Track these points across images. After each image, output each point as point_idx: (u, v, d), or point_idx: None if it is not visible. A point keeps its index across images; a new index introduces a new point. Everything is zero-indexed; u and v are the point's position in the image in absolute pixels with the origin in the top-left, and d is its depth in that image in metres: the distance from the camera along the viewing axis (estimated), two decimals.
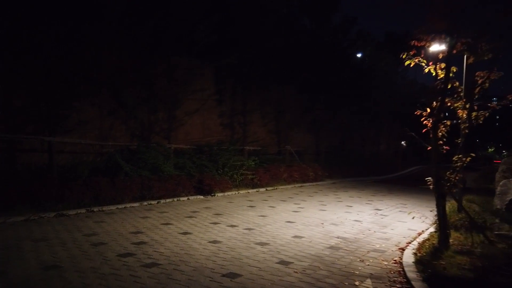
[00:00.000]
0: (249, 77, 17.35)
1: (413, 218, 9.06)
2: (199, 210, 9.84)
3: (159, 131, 13.65)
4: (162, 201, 10.74)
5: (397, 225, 9.22)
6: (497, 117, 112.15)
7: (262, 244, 6.68)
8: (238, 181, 14.07)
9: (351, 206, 11.98)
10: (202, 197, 12.18)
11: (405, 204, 13.44)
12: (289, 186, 16.70)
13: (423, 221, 8.76)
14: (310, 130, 23.96)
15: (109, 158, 11.13)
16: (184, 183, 12.02)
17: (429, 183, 6.98)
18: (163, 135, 13.70)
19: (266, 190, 14.97)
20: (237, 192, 13.51)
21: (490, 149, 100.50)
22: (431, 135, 6.79)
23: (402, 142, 36.30)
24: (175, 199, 11.16)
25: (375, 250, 6.67)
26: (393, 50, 30.03)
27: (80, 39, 10.55)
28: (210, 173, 13.28)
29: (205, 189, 12.68)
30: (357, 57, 30.95)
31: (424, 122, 6.83)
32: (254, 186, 14.82)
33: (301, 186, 17.36)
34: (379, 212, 11.21)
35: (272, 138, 21.08)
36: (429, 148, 6.92)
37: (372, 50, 29.30)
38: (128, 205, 9.81)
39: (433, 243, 6.70)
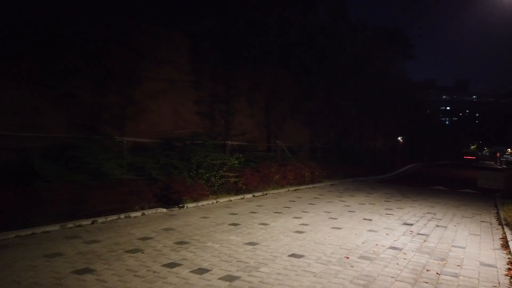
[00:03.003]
0: (234, 53, 13.93)
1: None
2: (153, 235, 6.41)
3: (110, 120, 10.10)
4: (101, 219, 7.23)
5: (457, 254, 6.02)
6: (477, 114, 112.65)
7: None
8: (217, 185, 10.67)
9: (370, 220, 8.76)
10: (165, 210, 8.73)
11: (434, 213, 10.37)
12: (283, 190, 13.40)
13: (480, 241, 5.70)
14: (306, 123, 20.72)
15: (26, 158, 7.58)
16: (140, 190, 8.57)
17: None
18: (116, 125, 10.17)
19: (254, 196, 11.62)
20: (215, 201, 10.11)
21: (472, 146, 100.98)
22: None
23: (399, 138, 33.54)
24: (123, 216, 7.67)
25: None
26: (383, 45, 28.52)
27: None
28: (180, 176, 9.86)
29: (172, 198, 9.26)
30: (352, 46, 28.33)
31: None
32: (238, 191, 11.46)
33: (296, 189, 14.09)
34: (413, 228, 8.03)
35: (261, 132, 17.70)
36: None
37: (366, 41, 26.79)
38: (41, 230, 6.29)
39: None
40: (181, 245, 5.84)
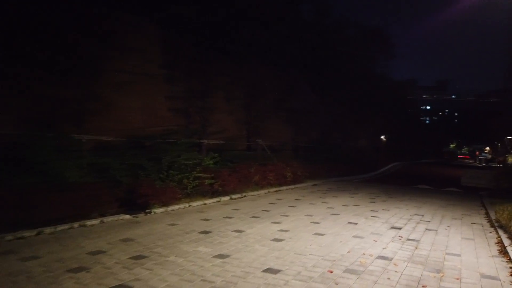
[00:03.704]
0: (212, 44, 13.05)
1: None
2: (107, 248, 5.51)
3: (70, 116, 9.09)
4: (49, 229, 6.25)
5: (453, 264, 5.35)
6: (456, 114, 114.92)
7: None
8: (191, 187, 9.78)
9: (355, 224, 8.07)
10: (128, 216, 7.80)
11: (422, 215, 9.78)
12: (263, 192, 12.61)
13: (476, 247, 5.13)
14: (289, 121, 20.01)
15: None
16: (101, 195, 7.63)
17: None
18: (76, 122, 9.16)
19: (231, 199, 10.79)
20: (188, 205, 9.23)
21: (452, 145, 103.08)
22: None
23: (382, 137, 33.30)
24: (77, 224, 6.71)
25: None
26: (366, 43, 28.40)
27: None
28: (148, 178, 8.94)
29: (138, 203, 8.33)
30: (335, 43, 27.97)
31: None
32: (214, 194, 10.61)
33: (277, 191, 13.33)
34: (402, 233, 7.37)
35: (241, 130, 16.88)
36: None
37: (349, 39, 26.45)
38: None
39: None
40: (137, 261, 4.97)
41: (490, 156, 64.68)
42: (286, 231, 7.10)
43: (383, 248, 6.13)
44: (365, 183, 18.71)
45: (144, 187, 8.48)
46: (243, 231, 6.95)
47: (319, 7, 23.79)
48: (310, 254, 5.59)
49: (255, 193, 12.18)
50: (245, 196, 11.47)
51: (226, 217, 8.16)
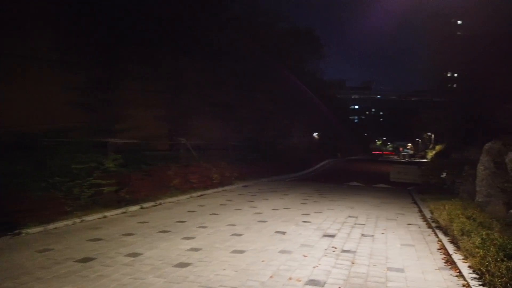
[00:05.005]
0: (122, 27, 11.10)
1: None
2: None
3: None
4: None
5: (398, 285, 4.30)
6: (381, 113, 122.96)
7: None
8: (85, 197, 7.84)
9: (284, 234, 6.87)
10: None
11: (356, 217, 8.98)
12: (183, 197, 10.99)
13: (418, 256, 4.16)
14: (217, 118, 18.52)
15: None
16: None
17: None
18: None
19: (142, 208, 9.03)
20: (79, 220, 7.31)
21: (378, 142, 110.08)
22: None
23: (315, 135, 33.35)
24: None
25: None
26: (297, 43, 28.25)
27: None
28: (22, 189, 6.86)
29: (8, 222, 6.29)
30: (266, 40, 27.18)
31: None
32: (121, 202, 8.77)
33: (201, 195, 11.80)
34: (336, 242, 6.32)
35: (161, 128, 14.99)
36: None
37: (280, 39, 25.83)
38: None
39: None
40: None
41: (412, 152, 69.49)
42: (197, 250, 5.62)
43: (314, 267, 4.94)
44: (298, 182, 17.95)
45: (14, 200, 6.44)
46: (140, 254, 5.33)
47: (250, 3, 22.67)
48: (219, 287, 4.18)
49: (174, 199, 10.52)
50: (160, 204, 9.76)
51: (126, 235, 6.46)
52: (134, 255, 5.29)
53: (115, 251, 5.47)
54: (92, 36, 10.91)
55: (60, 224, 6.96)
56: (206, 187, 12.64)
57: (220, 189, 13.29)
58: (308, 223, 7.96)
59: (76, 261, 4.96)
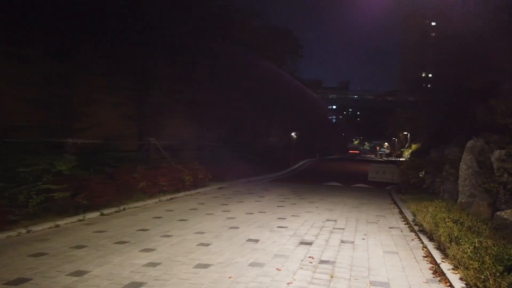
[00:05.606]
0: (81, 15, 10.19)
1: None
2: None
3: None
4: None
5: None
6: (358, 113, 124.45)
7: None
8: (33, 205, 6.94)
9: (256, 242, 6.23)
10: None
11: (335, 220, 8.45)
12: (151, 202, 10.17)
13: (403, 266, 3.52)
14: (191, 117, 17.73)
15: None
16: None
17: None
18: None
19: (102, 215, 8.18)
20: (25, 231, 6.43)
21: (356, 142, 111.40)
22: None
23: (293, 134, 32.87)
24: None
25: None
26: (275, 42, 27.82)
27: None
28: None
29: None
30: (243, 37, 26.56)
31: None
32: (78, 209, 7.90)
33: (171, 198, 11.01)
34: (313, 251, 5.71)
35: (129, 127, 14.09)
36: None
37: (260, 38, 25.28)
38: None
39: None
40: None
41: (388, 151, 70.41)
42: (155, 265, 4.90)
43: (288, 284, 4.31)
44: (275, 183, 17.36)
45: None
46: (86, 272, 4.56)
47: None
48: None
49: (140, 204, 9.69)
50: (124, 209, 8.92)
51: (75, 247, 5.65)
52: (79, 273, 4.52)
53: (57, 269, 4.67)
54: (48, 27, 9.96)
55: (1, 236, 6.06)
56: (177, 190, 11.84)
57: (193, 191, 12.52)
58: (284, 229, 7.35)
59: (5, 284, 4.14)
